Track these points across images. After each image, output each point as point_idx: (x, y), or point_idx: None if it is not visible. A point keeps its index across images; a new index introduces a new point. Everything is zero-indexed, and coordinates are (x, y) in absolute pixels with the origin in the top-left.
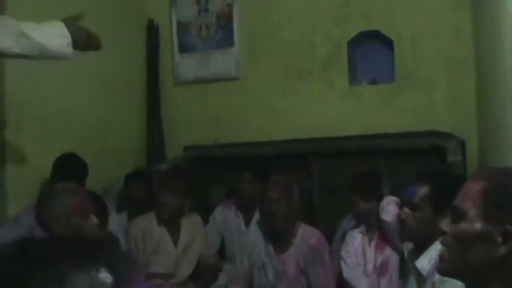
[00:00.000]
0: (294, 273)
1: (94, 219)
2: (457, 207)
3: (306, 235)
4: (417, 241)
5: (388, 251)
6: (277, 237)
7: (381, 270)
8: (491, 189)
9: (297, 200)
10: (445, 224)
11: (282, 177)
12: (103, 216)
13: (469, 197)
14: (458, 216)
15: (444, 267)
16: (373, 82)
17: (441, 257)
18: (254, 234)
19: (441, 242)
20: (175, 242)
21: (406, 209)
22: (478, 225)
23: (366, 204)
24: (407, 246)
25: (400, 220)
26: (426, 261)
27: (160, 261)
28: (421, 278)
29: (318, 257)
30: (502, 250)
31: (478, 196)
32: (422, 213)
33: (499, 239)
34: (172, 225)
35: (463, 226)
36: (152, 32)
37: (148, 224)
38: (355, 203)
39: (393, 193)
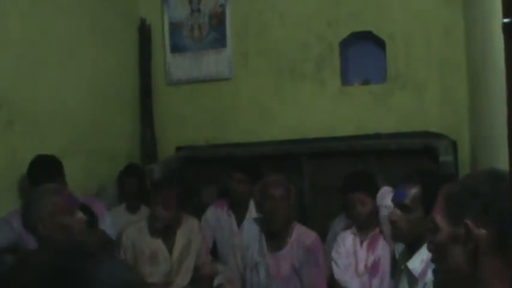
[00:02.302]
0: (288, 272)
1: (80, 215)
2: (431, 220)
3: (301, 236)
4: (408, 242)
5: (380, 251)
6: (273, 236)
7: (373, 270)
8: (450, 193)
9: (294, 200)
10: (429, 244)
11: (281, 176)
12: (89, 221)
13: (437, 207)
14: (434, 229)
15: (436, 282)
16: (365, 82)
17: (433, 272)
18: (248, 233)
19: (432, 261)
20: (170, 250)
21: (397, 211)
22: (447, 231)
23: (372, 202)
24: (398, 247)
25: (391, 222)
26: (418, 262)
27: (155, 271)
28: (413, 279)
29: (313, 258)
30: (470, 245)
31: (442, 204)
32: (413, 214)
33: (466, 236)
34: (166, 233)
35: (437, 237)
36: (144, 32)
37: (140, 234)
38: (362, 202)
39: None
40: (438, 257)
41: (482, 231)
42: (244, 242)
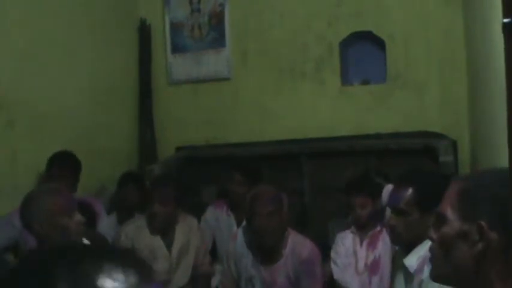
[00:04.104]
0: (284, 284)
1: (79, 217)
2: (438, 212)
3: (297, 246)
4: (408, 243)
5: (381, 249)
6: (266, 249)
7: (373, 268)
8: (466, 189)
9: (286, 211)
10: (432, 232)
11: (271, 189)
12: (90, 220)
13: (448, 200)
14: (440, 221)
15: (433, 274)
16: (364, 82)
17: (430, 262)
18: (241, 241)
19: (429, 250)
20: (169, 247)
21: (394, 216)
22: (457, 226)
23: (372, 204)
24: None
25: (390, 226)
26: (414, 259)
27: (154, 269)
28: (408, 276)
29: (309, 269)
30: (479, 246)
31: (454, 198)
32: (409, 217)
33: (476, 236)
34: (165, 231)
35: (444, 229)
36: (144, 32)
37: (139, 232)
38: (362, 205)
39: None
40: (440, 249)
41: (494, 235)
42: (237, 250)
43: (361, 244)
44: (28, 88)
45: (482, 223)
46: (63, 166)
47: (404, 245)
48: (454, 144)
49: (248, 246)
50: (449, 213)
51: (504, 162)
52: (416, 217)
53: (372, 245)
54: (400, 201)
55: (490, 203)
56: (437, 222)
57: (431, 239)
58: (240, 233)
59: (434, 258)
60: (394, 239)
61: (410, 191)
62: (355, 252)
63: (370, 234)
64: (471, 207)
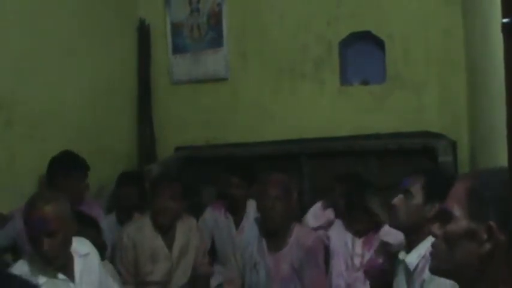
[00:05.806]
0: (288, 272)
1: (49, 243)
2: (444, 209)
3: (302, 236)
4: (405, 231)
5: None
6: (273, 236)
7: (369, 267)
8: (474, 188)
9: (295, 201)
10: (435, 228)
11: (282, 176)
12: (89, 224)
13: (455, 197)
14: (446, 218)
15: (433, 266)
16: (364, 82)
17: (431, 255)
18: (249, 232)
19: (432, 245)
20: (169, 247)
21: (400, 196)
22: (464, 224)
23: (375, 216)
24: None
25: (393, 206)
26: (415, 257)
27: (156, 269)
28: (408, 273)
29: (313, 258)
30: (487, 246)
31: (462, 195)
32: (414, 200)
33: (484, 236)
34: (167, 230)
35: (450, 226)
36: (143, 32)
37: (140, 233)
38: (361, 221)
39: (382, 194)
40: (445, 244)
41: (502, 236)
42: (244, 241)
43: (358, 240)
44: (28, 88)
45: (492, 223)
46: (70, 173)
47: (402, 230)
48: (453, 145)
49: (255, 235)
50: (456, 210)
51: (503, 162)
52: (419, 203)
53: (368, 244)
54: (410, 184)
55: (500, 203)
56: (441, 219)
57: (434, 234)
58: (248, 224)
59: (436, 252)
60: (393, 219)
61: (422, 179)
62: (353, 246)
63: (366, 233)
64: (481, 206)
